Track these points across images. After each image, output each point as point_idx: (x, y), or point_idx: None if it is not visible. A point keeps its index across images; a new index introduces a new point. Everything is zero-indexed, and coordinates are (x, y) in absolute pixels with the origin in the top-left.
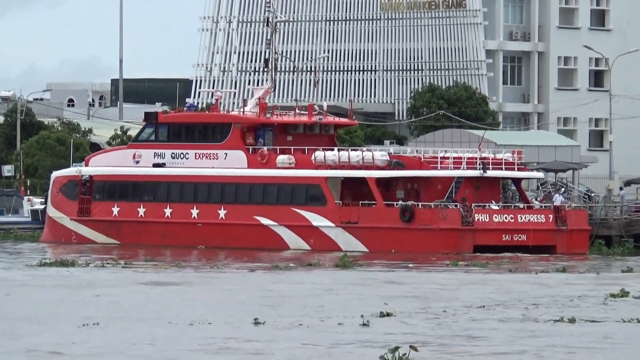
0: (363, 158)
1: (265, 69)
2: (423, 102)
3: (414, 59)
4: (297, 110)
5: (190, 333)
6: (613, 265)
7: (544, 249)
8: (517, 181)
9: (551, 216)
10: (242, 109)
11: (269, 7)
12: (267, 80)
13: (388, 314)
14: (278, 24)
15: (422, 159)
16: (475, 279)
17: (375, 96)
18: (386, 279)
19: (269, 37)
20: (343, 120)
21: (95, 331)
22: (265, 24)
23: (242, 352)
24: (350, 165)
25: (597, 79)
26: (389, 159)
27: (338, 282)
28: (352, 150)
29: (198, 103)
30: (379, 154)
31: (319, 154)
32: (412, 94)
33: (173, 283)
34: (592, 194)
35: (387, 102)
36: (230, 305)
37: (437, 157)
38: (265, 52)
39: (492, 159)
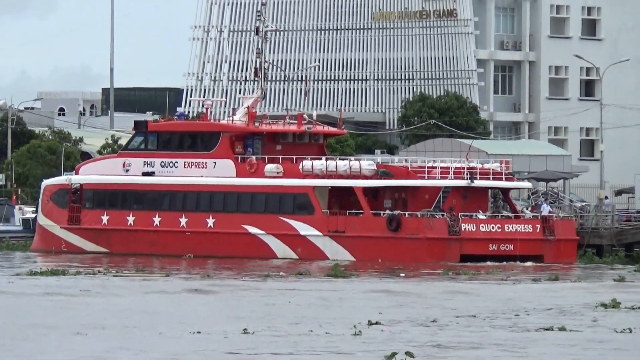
0: (350, 167)
1: (256, 78)
2: (414, 111)
3: (405, 68)
4: (287, 120)
5: (177, 342)
6: (603, 275)
7: (531, 259)
8: (505, 191)
9: (538, 226)
10: (231, 118)
11: (260, 16)
12: (257, 89)
13: (377, 323)
14: (269, 33)
15: (410, 169)
16: (465, 288)
17: (366, 105)
18: (377, 288)
19: (259, 47)
20: (332, 129)
21: (81, 340)
22: (256, 33)
23: None
24: (338, 174)
25: (588, 88)
26: (376, 168)
27: (330, 292)
28: (339, 159)
29: (189, 112)
30: (367, 163)
31: (307, 163)
32: (403, 103)
33: (164, 292)
34: (584, 204)
35: (378, 111)
36: (220, 315)
37: (424, 167)
38: (255, 61)
39: (479, 169)
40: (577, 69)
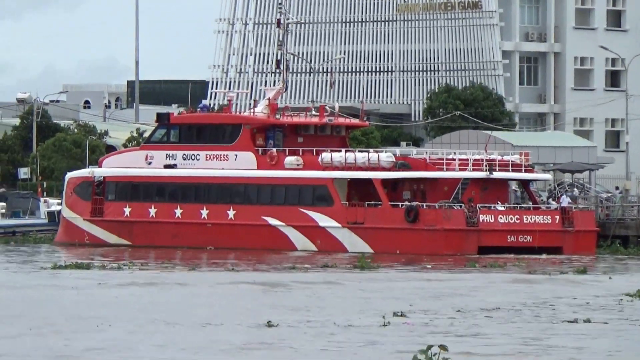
0: (369, 159)
1: (277, 70)
2: (439, 103)
3: (430, 60)
4: (312, 111)
5: (201, 335)
6: (629, 265)
7: (551, 250)
8: (525, 183)
9: (557, 217)
10: (252, 110)
11: (281, 8)
12: (279, 81)
13: (402, 315)
14: (294, 25)
15: (428, 160)
16: (490, 279)
17: (391, 97)
18: (400, 279)
19: (280, 39)
20: (354, 121)
21: (107, 332)
22: (277, 25)
23: (256, 354)
24: (357, 166)
25: (613, 79)
26: (394, 160)
27: (353, 283)
28: (359, 151)
29: (214, 104)
30: (385, 155)
31: (326, 155)
32: (428, 95)
33: (189, 284)
34: (610, 194)
35: (403, 103)
36: (244, 308)
37: (443, 159)
38: (277, 53)
39: (499, 161)
40: (602, 59)
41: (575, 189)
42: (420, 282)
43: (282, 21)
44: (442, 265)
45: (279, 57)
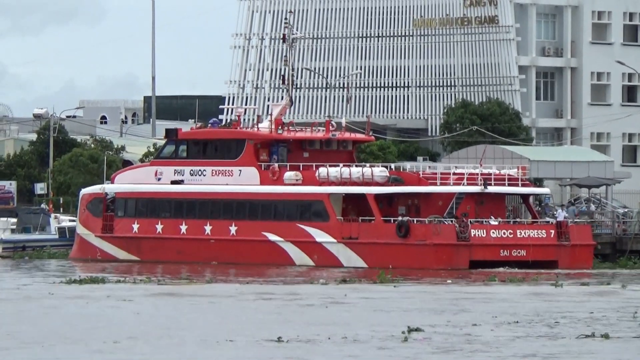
0: (363, 174)
1: (283, 86)
2: (456, 117)
3: (447, 75)
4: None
5: (212, 352)
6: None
7: (545, 265)
8: (525, 197)
9: (552, 231)
10: (256, 125)
11: (287, 23)
12: (287, 97)
13: (417, 330)
14: (310, 40)
15: (422, 175)
16: (507, 293)
17: (408, 112)
18: (417, 294)
19: (285, 54)
20: (359, 136)
21: (121, 350)
22: (283, 40)
23: None
24: (352, 181)
25: (630, 94)
26: (388, 175)
27: (365, 298)
28: (355, 166)
29: (230, 120)
30: (379, 170)
31: (323, 170)
32: (445, 110)
33: (205, 297)
34: (626, 209)
35: (420, 118)
36: (252, 323)
37: (437, 173)
38: (283, 68)
39: (495, 175)
40: (619, 74)
41: (592, 204)
42: (441, 296)
43: (287, 36)
44: (462, 280)
45: (284, 73)
